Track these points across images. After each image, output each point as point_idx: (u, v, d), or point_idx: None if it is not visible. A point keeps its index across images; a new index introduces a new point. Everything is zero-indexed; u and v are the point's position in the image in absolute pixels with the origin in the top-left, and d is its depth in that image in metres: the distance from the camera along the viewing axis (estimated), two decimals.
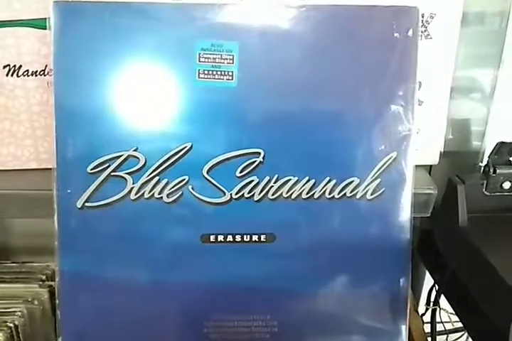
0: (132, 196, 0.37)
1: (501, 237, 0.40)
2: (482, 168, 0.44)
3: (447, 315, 0.48)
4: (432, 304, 0.48)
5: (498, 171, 0.42)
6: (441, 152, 0.46)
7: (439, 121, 0.46)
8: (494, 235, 0.40)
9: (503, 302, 0.34)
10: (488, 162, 0.42)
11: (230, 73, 0.37)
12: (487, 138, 0.47)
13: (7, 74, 0.41)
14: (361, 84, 0.38)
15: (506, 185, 0.42)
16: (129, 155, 0.37)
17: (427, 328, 0.48)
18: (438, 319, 0.49)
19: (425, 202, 0.43)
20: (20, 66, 0.41)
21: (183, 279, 0.39)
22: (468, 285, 0.39)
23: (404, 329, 0.41)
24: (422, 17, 0.42)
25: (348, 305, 0.40)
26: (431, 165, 0.46)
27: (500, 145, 0.42)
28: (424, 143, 0.45)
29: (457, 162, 0.48)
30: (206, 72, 0.37)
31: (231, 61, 0.37)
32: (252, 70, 0.37)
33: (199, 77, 0.37)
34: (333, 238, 0.39)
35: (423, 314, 0.49)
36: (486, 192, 0.43)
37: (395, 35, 0.38)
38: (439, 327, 0.51)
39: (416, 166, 0.40)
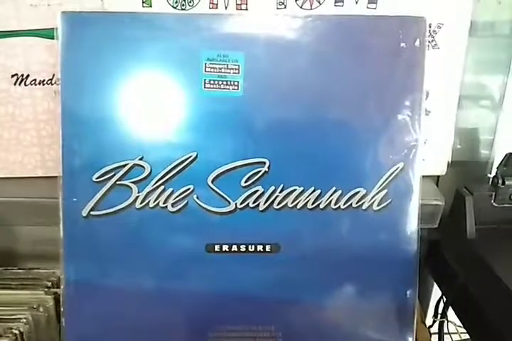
0: (137, 205, 0.37)
1: (509, 249, 0.40)
2: (491, 179, 0.43)
3: (455, 327, 0.47)
4: (439, 316, 0.47)
5: (506, 182, 0.41)
6: (449, 162, 0.46)
7: (446, 131, 0.46)
8: (502, 247, 0.40)
9: (510, 315, 0.33)
10: (496, 173, 0.42)
11: (236, 83, 0.37)
12: (496, 148, 0.47)
13: (15, 83, 0.42)
14: (368, 94, 0.38)
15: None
16: (134, 164, 0.37)
17: (435, 339, 0.48)
18: (446, 330, 0.48)
19: (432, 213, 0.42)
20: (28, 75, 0.42)
21: (188, 288, 0.39)
22: (476, 297, 0.38)
23: (411, 340, 0.40)
24: (430, 27, 0.42)
25: (354, 316, 0.40)
26: (438, 176, 0.46)
27: (509, 156, 0.42)
28: (431, 154, 0.45)
29: (465, 172, 0.47)
30: (212, 82, 0.37)
31: (237, 71, 0.37)
32: (257, 80, 0.37)
33: (205, 87, 0.37)
34: (338, 249, 0.39)
35: (430, 326, 0.49)
36: (494, 204, 0.42)
37: (402, 45, 0.38)
38: (447, 339, 0.50)
39: (423, 177, 0.39)
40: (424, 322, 0.50)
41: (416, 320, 0.41)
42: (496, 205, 0.42)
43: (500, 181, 0.41)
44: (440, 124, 0.45)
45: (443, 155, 0.46)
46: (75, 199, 0.37)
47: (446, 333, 0.48)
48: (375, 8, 0.41)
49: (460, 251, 0.42)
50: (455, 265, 0.43)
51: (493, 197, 0.42)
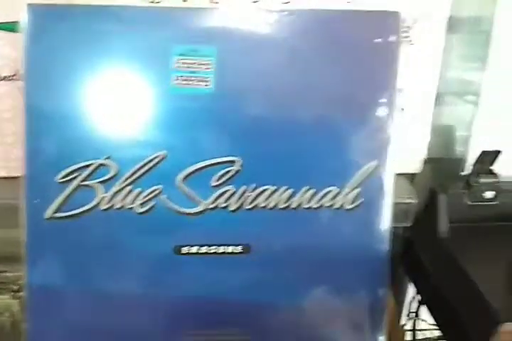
0: (102, 206, 0.36)
1: (482, 248, 0.39)
2: (465, 177, 0.43)
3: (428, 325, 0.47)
4: (414, 314, 0.47)
5: (481, 181, 0.41)
6: (424, 160, 0.46)
7: (422, 129, 0.45)
8: (475, 246, 0.40)
9: (481, 315, 0.33)
10: (470, 171, 0.42)
11: (208, 79, 0.36)
12: (471, 146, 0.46)
13: None
14: (341, 91, 0.37)
15: (488, 195, 0.42)
16: (100, 164, 0.36)
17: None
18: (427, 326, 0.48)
19: (406, 211, 0.42)
20: None
21: (157, 292, 0.38)
22: (447, 296, 0.38)
23: (382, 340, 0.40)
24: (404, 22, 0.41)
25: (326, 316, 0.39)
26: (413, 173, 0.46)
27: (483, 154, 0.42)
28: (407, 151, 0.44)
29: (440, 170, 0.47)
30: (183, 77, 0.36)
31: (209, 67, 0.36)
32: (230, 76, 0.36)
33: (175, 83, 0.36)
34: (310, 248, 0.38)
35: (405, 324, 0.49)
36: (468, 202, 0.42)
37: (377, 40, 0.37)
38: (422, 336, 0.50)
39: (398, 174, 0.39)
40: (399, 320, 0.50)
41: (391, 318, 0.40)
42: (470, 203, 0.42)
43: (474, 179, 0.41)
44: (416, 122, 0.45)
45: (418, 153, 0.45)
46: (37, 201, 0.36)
47: (421, 329, 0.48)
48: (350, 3, 0.41)
49: (433, 250, 0.42)
50: (428, 264, 0.42)
51: (467, 195, 0.42)
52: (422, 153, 0.45)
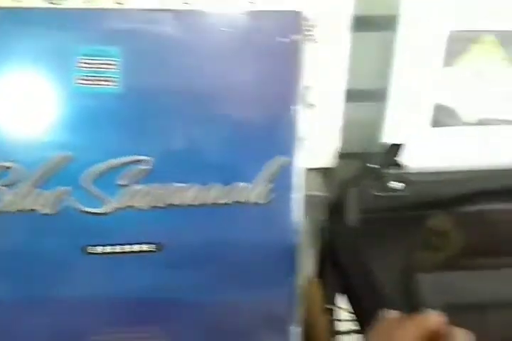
0: (7, 208, 0.35)
1: (387, 237, 0.41)
2: (374, 170, 0.45)
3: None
4: (331, 303, 0.48)
5: (386, 172, 0.43)
6: (337, 154, 0.47)
7: (333, 124, 0.47)
8: (380, 235, 0.42)
9: (373, 302, 0.35)
10: (377, 163, 0.43)
11: (113, 79, 0.36)
12: (381, 140, 0.48)
13: None
14: (248, 89, 0.38)
15: (395, 186, 0.44)
16: (5, 167, 0.35)
17: None
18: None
19: (318, 204, 0.43)
20: None
21: (66, 293, 0.37)
22: (354, 284, 0.39)
23: (296, 330, 0.41)
24: (308, 21, 0.42)
25: (238, 311, 0.40)
26: (326, 168, 0.47)
27: (391, 147, 0.44)
28: (318, 146, 0.46)
29: (352, 164, 0.49)
30: (88, 78, 0.36)
31: (114, 66, 0.36)
32: (136, 76, 0.36)
33: (79, 83, 0.36)
34: (223, 245, 0.39)
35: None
36: (376, 193, 0.44)
37: (281, 39, 0.38)
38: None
39: (311, 169, 0.40)
40: (324, 310, 0.51)
41: (315, 309, 0.41)
42: (378, 194, 0.44)
43: (380, 171, 0.43)
44: (327, 118, 0.46)
45: (330, 148, 0.47)
46: None
47: (338, 319, 0.50)
48: (252, 3, 0.41)
49: (344, 240, 0.43)
50: (340, 253, 0.44)
51: (375, 186, 0.43)
52: (334, 148, 0.47)
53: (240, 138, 0.38)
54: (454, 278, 0.37)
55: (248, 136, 0.38)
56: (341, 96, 0.46)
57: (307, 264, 0.45)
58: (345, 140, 0.47)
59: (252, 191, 0.39)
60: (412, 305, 0.35)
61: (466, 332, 0.28)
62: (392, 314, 0.30)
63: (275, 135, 0.39)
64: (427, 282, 0.37)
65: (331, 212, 0.44)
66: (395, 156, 0.43)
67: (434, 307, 0.30)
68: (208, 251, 0.39)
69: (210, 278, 0.39)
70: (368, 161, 0.46)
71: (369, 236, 0.40)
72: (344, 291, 0.43)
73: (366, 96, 0.48)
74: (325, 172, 0.47)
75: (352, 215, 0.42)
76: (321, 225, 0.46)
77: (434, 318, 0.29)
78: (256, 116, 0.39)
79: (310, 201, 0.41)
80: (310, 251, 0.46)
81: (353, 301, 0.40)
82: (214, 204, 0.38)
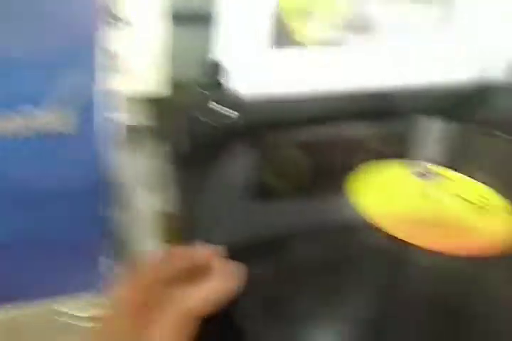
0: None
1: (212, 164, 0.37)
2: (204, 95, 0.40)
3: None
4: None
5: (207, 93, 0.39)
6: (165, 81, 0.42)
7: (157, 47, 0.42)
8: (205, 161, 0.38)
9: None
10: (201, 85, 0.39)
11: None
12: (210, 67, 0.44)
13: None
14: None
15: (227, 112, 0.40)
16: None
17: None
18: None
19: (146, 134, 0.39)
20: None
21: None
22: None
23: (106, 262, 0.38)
24: None
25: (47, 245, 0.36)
26: (155, 96, 0.43)
27: (210, 66, 0.39)
28: (143, 73, 0.41)
29: (183, 92, 0.44)
30: None
31: None
32: None
33: None
34: (20, 182, 0.34)
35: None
36: (203, 119, 0.40)
37: None
38: None
39: (134, 97, 0.35)
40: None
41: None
42: (205, 120, 0.40)
43: (204, 94, 0.39)
44: (148, 42, 0.41)
45: (158, 75, 0.42)
46: None
47: None
48: None
49: (177, 169, 0.39)
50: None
51: (201, 112, 0.39)
52: (164, 75, 0.42)
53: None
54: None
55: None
56: (165, 17, 0.41)
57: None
58: (176, 66, 0.43)
59: (45, 117, 0.33)
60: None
61: (237, 267, 0.25)
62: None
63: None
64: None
65: (162, 142, 0.39)
66: (216, 76, 0.39)
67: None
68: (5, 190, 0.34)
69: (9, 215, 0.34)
70: (198, 88, 0.42)
71: (199, 165, 0.36)
72: None
73: (194, 18, 0.43)
74: (154, 100, 0.42)
75: (182, 144, 0.37)
76: (150, 156, 0.42)
77: (201, 250, 0.27)
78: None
79: (137, 131, 0.37)
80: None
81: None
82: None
